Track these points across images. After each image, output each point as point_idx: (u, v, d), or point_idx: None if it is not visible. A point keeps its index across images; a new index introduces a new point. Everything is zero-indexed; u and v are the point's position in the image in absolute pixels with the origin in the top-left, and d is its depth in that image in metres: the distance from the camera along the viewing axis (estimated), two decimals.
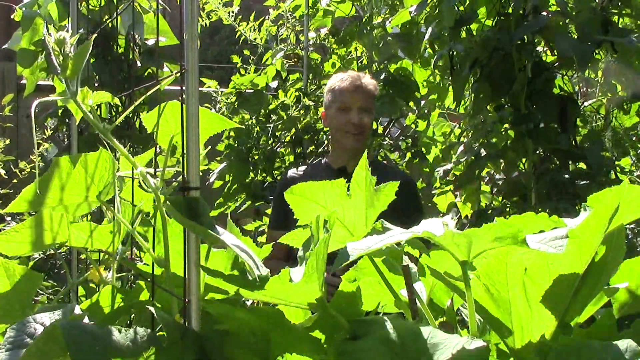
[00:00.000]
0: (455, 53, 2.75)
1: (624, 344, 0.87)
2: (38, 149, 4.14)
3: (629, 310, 1.10)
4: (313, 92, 4.02)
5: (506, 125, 2.73)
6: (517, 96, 2.57)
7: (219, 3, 4.26)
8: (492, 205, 2.88)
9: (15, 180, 3.77)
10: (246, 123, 3.94)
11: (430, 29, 2.82)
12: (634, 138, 2.89)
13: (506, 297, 1.01)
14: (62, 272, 3.47)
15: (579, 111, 2.66)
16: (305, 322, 1.10)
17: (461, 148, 2.83)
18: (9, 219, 3.67)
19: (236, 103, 3.97)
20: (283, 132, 3.90)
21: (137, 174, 1.13)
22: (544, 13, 2.55)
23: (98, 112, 1.17)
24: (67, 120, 3.48)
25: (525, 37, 2.57)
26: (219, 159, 4.08)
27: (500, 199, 2.82)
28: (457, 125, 3.69)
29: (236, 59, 4.25)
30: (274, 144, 3.95)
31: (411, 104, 3.66)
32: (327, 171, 2.76)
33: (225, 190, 3.97)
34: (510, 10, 2.64)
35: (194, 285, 1.03)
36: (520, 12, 2.60)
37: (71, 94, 1.07)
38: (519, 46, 2.57)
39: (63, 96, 1.07)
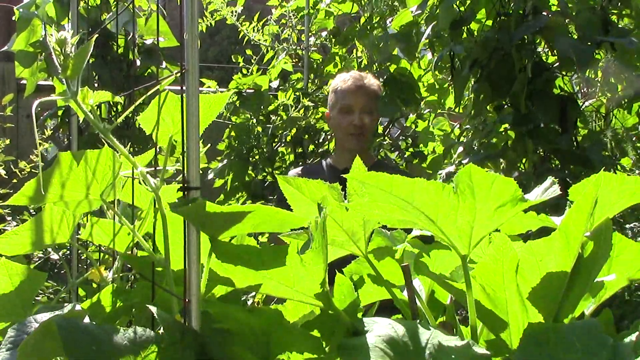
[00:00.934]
0: (455, 53, 2.75)
1: (588, 323, 0.89)
2: (38, 149, 4.14)
3: None
4: (313, 92, 4.02)
5: (506, 126, 2.73)
6: (517, 96, 2.56)
7: (222, 2, 4.26)
8: None
9: (15, 180, 3.77)
10: (247, 123, 3.94)
11: (428, 30, 2.82)
12: (634, 138, 2.90)
13: (502, 296, 1.01)
14: (62, 272, 3.47)
15: (579, 111, 2.67)
16: (306, 317, 1.10)
17: (461, 148, 2.83)
18: (9, 219, 3.67)
19: (237, 103, 3.97)
20: (283, 132, 3.90)
21: (137, 173, 1.13)
22: (544, 13, 2.55)
23: (98, 112, 1.16)
24: (67, 120, 3.48)
25: (525, 37, 2.57)
26: (219, 158, 4.08)
27: None
28: (457, 125, 3.70)
29: (238, 58, 4.25)
30: (274, 144, 3.96)
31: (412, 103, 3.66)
32: (331, 172, 2.75)
33: (226, 189, 3.97)
34: (510, 10, 2.64)
35: (194, 285, 1.03)
36: (520, 12, 2.60)
37: (71, 94, 1.07)
38: (519, 46, 2.57)
39: (63, 96, 1.08)
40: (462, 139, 3.02)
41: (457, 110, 3.41)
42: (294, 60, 4.24)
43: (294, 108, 3.83)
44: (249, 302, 2.13)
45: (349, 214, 1.15)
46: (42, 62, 3.67)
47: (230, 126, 4.00)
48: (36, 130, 1.10)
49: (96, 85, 3.36)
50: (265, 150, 3.92)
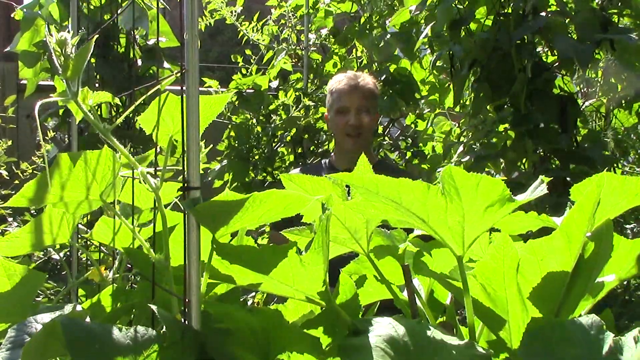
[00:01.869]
0: (454, 53, 2.75)
1: (589, 319, 0.89)
2: (39, 149, 4.14)
3: None
4: (313, 92, 4.02)
5: (506, 126, 2.73)
6: (517, 96, 2.57)
7: (222, 2, 4.26)
8: None
9: (16, 182, 3.78)
10: (247, 123, 3.95)
11: (426, 29, 2.83)
12: (634, 137, 2.90)
13: (503, 296, 1.02)
14: (62, 272, 3.47)
15: (579, 111, 2.67)
16: (306, 317, 1.11)
17: (461, 148, 2.83)
18: (10, 219, 3.67)
19: (236, 102, 3.98)
20: (283, 132, 3.90)
21: (138, 173, 1.13)
22: (544, 13, 2.55)
23: (98, 112, 1.17)
24: (67, 120, 3.49)
25: (525, 37, 2.57)
26: (219, 158, 4.08)
27: None
28: (457, 125, 3.70)
29: (238, 58, 4.26)
30: (274, 144, 3.96)
31: (411, 102, 3.67)
32: (332, 172, 2.74)
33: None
34: (509, 11, 2.65)
35: (194, 285, 1.03)
36: (520, 12, 2.60)
37: (72, 94, 1.07)
38: (519, 46, 2.57)
39: (64, 96, 1.08)
40: (462, 138, 3.02)
41: (456, 109, 3.42)
42: (293, 60, 4.24)
43: (294, 108, 3.84)
44: (249, 302, 2.13)
45: (351, 212, 1.15)
46: (44, 62, 3.68)
47: (230, 126, 4.01)
48: (40, 132, 1.10)
49: (97, 85, 3.37)
50: (265, 150, 3.92)
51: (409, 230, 1.20)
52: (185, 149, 1.05)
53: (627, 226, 2.78)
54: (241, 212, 1.05)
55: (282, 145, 4.01)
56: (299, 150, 3.98)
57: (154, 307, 1.00)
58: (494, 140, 2.76)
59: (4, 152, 3.91)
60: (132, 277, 1.53)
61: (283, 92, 3.91)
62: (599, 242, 1.01)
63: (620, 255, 1.07)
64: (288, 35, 4.31)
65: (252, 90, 4.00)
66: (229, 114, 4.00)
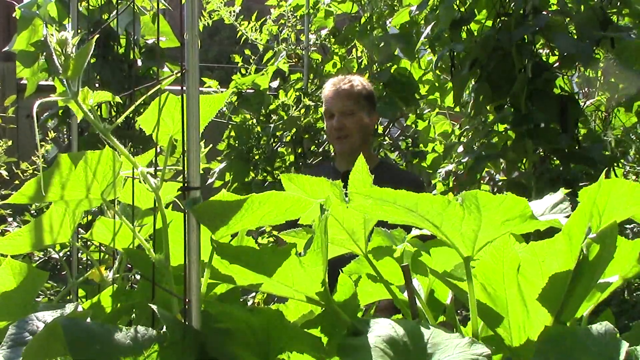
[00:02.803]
0: (455, 53, 2.75)
1: (602, 327, 0.89)
2: (39, 149, 4.13)
3: None
4: (313, 92, 4.02)
5: (506, 126, 2.73)
6: (518, 96, 2.57)
7: (221, 2, 4.26)
8: None
9: (17, 182, 3.77)
10: (247, 123, 3.95)
11: (427, 30, 2.83)
12: (634, 137, 2.90)
13: (503, 295, 1.02)
14: (62, 273, 3.47)
15: (579, 111, 2.67)
16: (306, 317, 1.11)
17: (461, 148, 2.83)
18: (10, 219, 3.67)
19: (236, 102, 3.98)
20: (284, 132, 3.90)
21: (138, 173, 1.13)
22: (544, 13, 2.56)
23: (98, 112, 1.17)
24: (67, 120, 3.49)
25: (525, 37, 2.58)
26: (219, 158, 4.08)
27: None
28: (457, 125, 3.70)
29: (237, 58, 4.25)
30: (274, 144, 3.96)
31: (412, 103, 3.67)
32: (334, 174, 2.75)
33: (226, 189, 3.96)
34: (510, 11, 2.65)
35: (194, 285, 1.03)
36: (521, 12, 2.60)
37: (72, 94, 1.07)
38: (519, 46, 2.57)
39: (64, 96, 1.08)
40: (462, 139, 3.03)
41: (456, 109, 3.42)
42: (293, 60, 4.24)
43: (294, 108, 3.84)
44: (249, 302, 2.13)
45: (349, 213, 1.15)
46: (43, 62, 3.67)
47: (230, 126, 4.01)
48: (37, 132, 1.10)
49: (97, 85, 3.37)
50: (265, 150, 3.92)
51: (407, 229, 1.20)
52: (185, 149, 1.05)
53: (627, 226, 2.78)
54: (240, 213, 1.05)
55: (282, 145, 4.01)
56: (299, 150, 3.98)
57: (154, 307, 1.00)
58: (494, 140, 2.76)
59: (4, 152, 3.90)
60: (132, 277, 1.53)
61: (283, 92, 3.91)
62: (603, 243, 1.01)
63: (621, 256, 1.07)
64: (288, 35, 4.31)
65: (252, 90, 4.00)
66: (229, 114, 4.00)
